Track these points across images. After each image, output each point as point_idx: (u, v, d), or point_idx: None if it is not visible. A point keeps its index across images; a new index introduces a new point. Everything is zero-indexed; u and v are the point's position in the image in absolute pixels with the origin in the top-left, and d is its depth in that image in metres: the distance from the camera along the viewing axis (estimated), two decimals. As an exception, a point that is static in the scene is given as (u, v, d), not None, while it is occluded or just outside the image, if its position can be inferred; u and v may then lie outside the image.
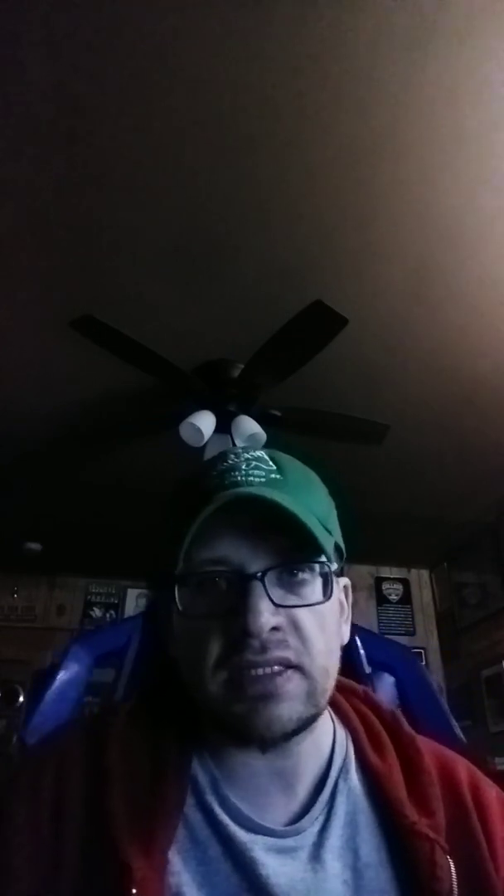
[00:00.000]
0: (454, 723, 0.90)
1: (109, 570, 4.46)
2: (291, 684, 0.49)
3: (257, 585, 0.49)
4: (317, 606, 0.51)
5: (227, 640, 0.49)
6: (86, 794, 0.49)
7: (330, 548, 0.52)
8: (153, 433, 2.62)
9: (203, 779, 0.52)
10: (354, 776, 0.56)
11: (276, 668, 0.48)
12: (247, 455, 0.57)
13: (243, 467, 0.55)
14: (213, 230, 1.89)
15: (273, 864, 0.48)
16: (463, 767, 0.59)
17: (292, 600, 0.50)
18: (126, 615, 4.47)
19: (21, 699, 4.06)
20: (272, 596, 0.49)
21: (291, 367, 2.17)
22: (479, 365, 2.45)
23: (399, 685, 0.93)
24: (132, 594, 4.57)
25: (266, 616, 0.48)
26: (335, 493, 0.60)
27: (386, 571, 4.62)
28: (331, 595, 0.52)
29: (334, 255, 1.98)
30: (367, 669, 0.89)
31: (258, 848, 0.49)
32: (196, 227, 1.88)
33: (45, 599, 4.46)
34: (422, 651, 4.35)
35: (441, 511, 3.63)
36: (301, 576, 0.51)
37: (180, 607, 0.51)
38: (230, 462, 0.56)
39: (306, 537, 0.50)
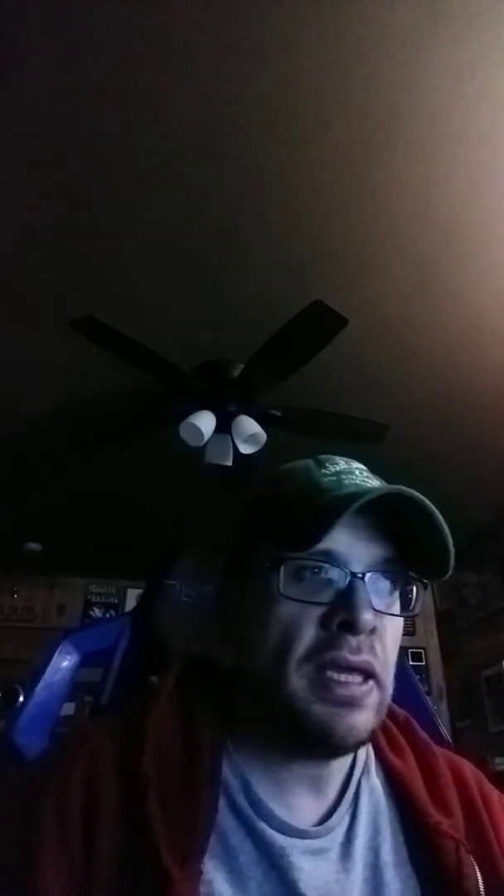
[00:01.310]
0: (440, 724, 0.89)
1: (109, 570, 4.46)
2: (371, 696, 0.49)
3: (363, 584, 0.49)
4: (396, 621, 0.52)
5: (323, 631, 0.49)
6: (121, 799, 0.47)
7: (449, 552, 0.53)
8: (153, 433, 2.62)
9: (234, 782, 0.51)
10: (375, 776, 0.56)
11: (358, 678, 0.49)
12: (355, 465, 0.58)
13: (357, 474, 0.55)
14: (213, 230, 1.89)
15: (308, 867, 0.48)
16: (469, 770, 0.60)
17: (385, 607, 0.51)
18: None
19: (21, 699, 4.05)
20: (371, 599, 0.49)
21: (291, 367, 2.17)
22: (480, 365, 2.45)
23: None
24: (132, 594, 4.57)
25: (371, 615, 0.48)
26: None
27: (386, 571, 4.61)
28: (415, 609, 0.53)
29: (334, 255, 1.98)
30: None
31: (296, 852, 0.48)
32: (196, 227, 1.88)
33: (45, 599, 4.46)
34: (422, 651, 4.35)
35: (441, 511, 3.62)
36: (395, 585, 0.52)
37: (282, 590, 0.50)
38: (342, 467, 0.57)
39: (444, 551, 0.50)
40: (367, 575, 0.50)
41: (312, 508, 0.50)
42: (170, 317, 2.22)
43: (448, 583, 4.36)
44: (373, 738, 0.52)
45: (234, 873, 0.47)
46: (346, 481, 0.53)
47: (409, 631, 4.44)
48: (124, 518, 3.71)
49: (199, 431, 2.27)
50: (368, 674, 0.49)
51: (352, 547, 0.50)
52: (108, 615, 4.49)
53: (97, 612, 4.49)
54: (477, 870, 0.49)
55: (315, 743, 0.49)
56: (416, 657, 4.31)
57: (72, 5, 1.35)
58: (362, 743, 0.50)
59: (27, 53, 1.43)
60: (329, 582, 0.50)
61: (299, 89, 1.51)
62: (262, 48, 1.43)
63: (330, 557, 0.50)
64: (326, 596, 0.50)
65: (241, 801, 0.50)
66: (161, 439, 2.56)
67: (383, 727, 0.60)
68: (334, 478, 0.54)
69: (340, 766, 0.54)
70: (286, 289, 2.07)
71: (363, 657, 0.48)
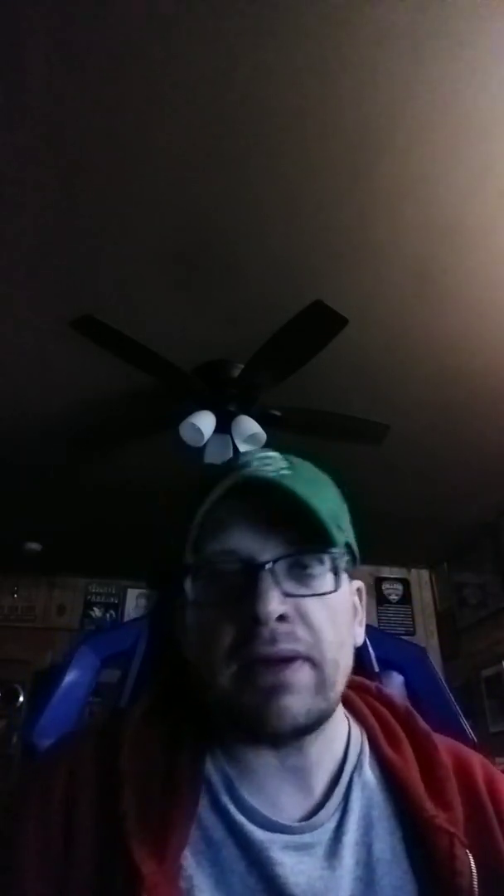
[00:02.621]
0: (465, 722, 0.88)
1: (109, 570, 4.46)
2: (301, 674, 0.49)
3: (266, 574, 0.49)
4: (327, 599, 0.51)
5: (238, 629, 0.49)
6: (98, 798, 0.48)
7: (341, 542, 0.53)
8: (153, 433, 2.62)
9: (217, 779, 0.52)
10: (369, 771, 0.55)
11: (286, 656, 0.48)
12: (259, 454, 0.58)
13: (254, 463, 0.55)
14: (213, 230, 1.89)
15: (290, 862, 0.48)
16: (478, 762, 0.58)
17: (302, 591, 0.50)
18: (126, 615, 4.48)
19: (21, 699, 4.06)
20: (282, 586, 0.49)
21: (291, 367, 2.17)
22: (480, 365, 2.45)
23: (409, 684, 0.92)
24: (132, 594, 4.57)
25: (274, 603, 0.48)
26: (345, 495, 0.60)
27: (386, 571, 4.62)
28: (339, 586, 0.52)
29: (334, 255, 1.98)
30: (376, 668, 0.88)
31: (276, 847, 0.48)
32: (196, 227, 1.88)
33: (45, 599, 4.46)
34: (422, 651, 4.35)
35: (441, 511, 3.63)
36: (311, 569, 0.51)
37: (191, 597, 0.51)
38: (241, 459, 0.57)
39: (317, 526, 0.50)
40: (277, 562, 0.50)
41: (190, 512, 0.51)
42: (170, 317, 2.22)
43: (448, 583, 4.37)
44: (320, 722, 0.51)
45: (217, 868, 0.47)
46: (235, 471, 0.54)
47: (409, 631, 4.44)
48: (124, 518, 3.71)
49: (199, 431, 2.27)
50: (296, 656, 0.49)
51: (253, 539, 0.51)
52: (108, 615, 4.49)
53: (97, 612, 4.49)
54: (473, 865, 0.48)
55: (254, 731, 0.49)
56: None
57: (72, 6, 1.35)
58: (305, 727, 0.49)
59: (27, 54, 1.43)
60: (239, 578, 0.50)
61: (299, 90, 1.51)
62: (261, 49, 1.43)
63: (234, 554, 0.51)
64: (237, 592, 0.50)
65: (224, 798, 0.50)
66: (161, 439, 2.56)
67: (379, 718, 0.59)
68: (226, 471, 0.55)
69: (322, 759, 0.54)
70: (286, 289, 2.07)
71: (280, 646, 0.48)
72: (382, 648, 0.91)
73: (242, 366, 2.29)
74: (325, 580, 0.52)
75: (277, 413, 2.47)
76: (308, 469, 0.58)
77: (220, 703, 0.50)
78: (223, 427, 2.36)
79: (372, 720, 0.59)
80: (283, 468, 0.55)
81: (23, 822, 0.48)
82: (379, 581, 4.58)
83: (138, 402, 2.60)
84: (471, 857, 0.48)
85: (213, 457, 2.45)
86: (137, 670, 0.88)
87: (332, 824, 0.51)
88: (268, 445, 2.30)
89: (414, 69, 1.46)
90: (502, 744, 3.42)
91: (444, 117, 1.57)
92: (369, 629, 0.89)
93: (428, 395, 2.64)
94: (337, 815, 0.51)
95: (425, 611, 4.56)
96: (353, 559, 0.56)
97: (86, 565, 4.41)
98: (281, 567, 0.50)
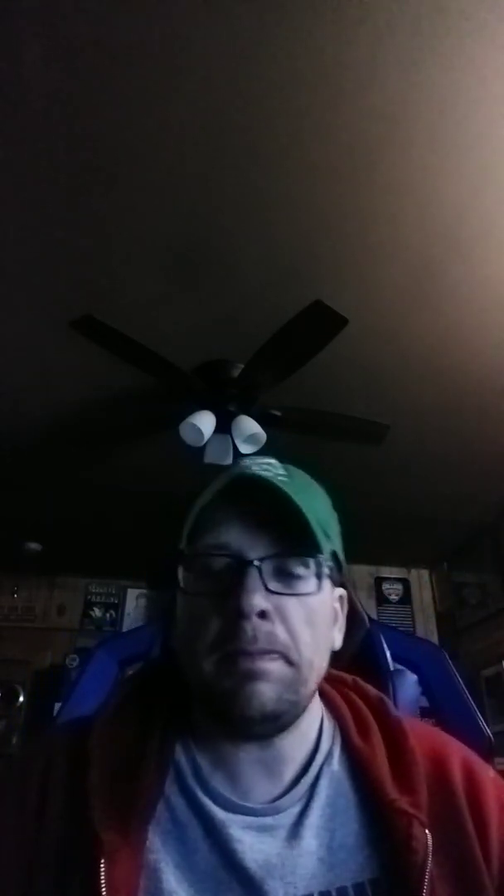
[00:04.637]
0: (481, 720, 0.88)
1: (109, 570, 4.46)
2: (275, 665, 0.52)
3: (253, 570, 0.52)
4: (307, 601, 0.54)
5: (223, 622, 0.52)
6: (68, 777, 0.52)
7: (327, 550, 0.56)
8: (153, 433, 2.62)
9: (186, 765, 0.55)
10: (337, 761, 0.57)
11: (264, 652, 0.51)
12: (259, 459, 0.61)
13: (253, 467, 0.59)
14: (213, 230, 1.89)
15: (249, 840, 0.50)
16: (456, 752, 0.60)
17: (284, 590, 0.53)
18: (126, 615, 4.48)
19: (21, 699, 4.05)
20: (266, 583, 0.52)
21: (291, 367, 2.17)
22: (480, 365, 2.45)
23: (424, 683, 0.92)
24: (132, 594, 4.57)
25: (258, 598, 0.51)
26: (334, 499, 0.63)
27: (386, 571, 4.62)
28: (320, 589, 0.55)
29: (334, 255, 1.98)
30: (392, 666, 0.88)
31: (235, 826, 0.51)
32: (196, 226, 1.88)
33: (45, 599, 4.46)
34: (422, 651, 4.34)
35: (441, 511, 3.63)
36: (296, 570, 0.54)
37: (182, 585, 0.55)
38: (241, 462, 0.62)
39: (305, 530, 0.53)
40: (264, 561, 0.53)
41: (195, 509, 0.55)
42: (170, 317, 2.22)
43: (448, 583, 4.37)
44: (289, 715, 0.53)
45: (182, 846, 0.50)
46: (234, 472, 0.57)
47: (409, 631, 4.44)
48: (124, 518, 3.71)
49: (199, 431, 2.27)
50: (273, 652, 0.52)
51: (245, 537, 0.54)
52: (108, 615, 4.49)
53: (97, 612, 4.49)
54: (429, 844, 0.50)
55: (226, 715, 0.52)
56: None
57: (72, 6, 1.35)
58: (273, 715, 0.51)
59: (26, 53, 1.43)
60: (227, 572, 0.53)
61: (300, 91, 1.51)
62: (262, 50, 1.43)
63: (225, 549, 0.54)
64: (224, 585, 0.53)
65: (191, 781, 0.53)
66: (161, 439, 2.56)
67: (353, 708, 0.62)
68: (224, 471, 0.59)
69: (294, 750, 0.56)
70: (286, 289, 2.07)
71: (260, 646, 0.51)
72: (398, 646, 0.91)
73: (242, 366, 2.29)
74: (308, 583, 0.55)
75: (277, 413, 2.47)
76: (303, 477, 0.62)
77: (201, 688, 0.53)
78: (223, 427, 2.36)
79: (345, 711, 0.62)
80: (280, 474, 0.58)
81: (1, 803, 0.52)
82: (379, 581, 4.58)
83: (138, 402, 2.60)
84: (429, 837, 0.50)
85: (213, 457, 2.45)
86: None
87: (295, 809, 0.53)
88: (268, 445, 2.30)
89: (414, 69, 1.46)
90: (502, 744, 3.42)
91: (444, 117, 1.56)
92: (385, 628, 0.89)
93: (428, 395, 2.64)
94: (302, 802, 0.54)
95: (425, 611, 4.56)
96: (339, 567, 0.59)
97: (86, 565, 4.41)
98: (267, 566, 0.53)
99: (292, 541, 0.54)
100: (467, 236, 1.90)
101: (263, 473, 0.56)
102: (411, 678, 0.90)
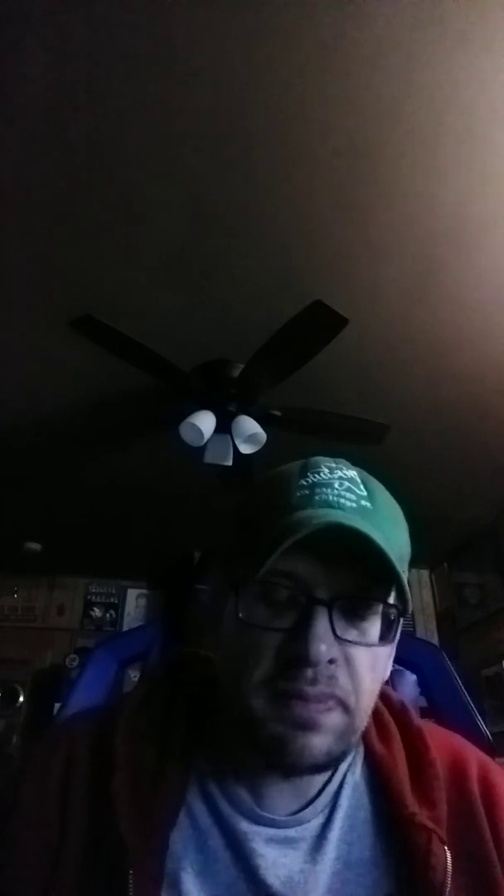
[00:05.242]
0: (481, 722, 0.88)
1: (109, 570, 4.46)
2: (332, 717, 0.47)
3: (324, 612, 0.47)
4: (373, 647, 0.50)
5: (281, 660, 0.47)
6: (91, 779, 0.50)
7: (406, 590, 0.50)
8: (153, 433, 2.62)
9: (207, 769, 0.53)
10: (360, 771, 0.56)
11: (322, 699, 0.47)
12: (340, 473, 0.54)
13: (336, 486, 0.52)
14: (213, 230, 1.89)
15: (272, 855, 0.49)
16: (474, 759, 0.58)
17: (353, 636, 0.48)
18: (126, 615, 4.48)
19: (21, 699, 4.05)
20: (336, 628, 0.47)
21: (291, 367, 2.17)
22: (480, 364, 2.45)
23: (423, 683, 0.92)
24: (132, 594, 4.57)
25: (326, 647, 0.46)
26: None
27: (386, 571, 4.61)
28: (393, 639, 0.51)
29: (334, 255, 1.98)
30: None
31: (259, 839, 0.49)
32: (196, 226, 1.88)
33: (45, 599, 4.46)
34: (422, 651, 4.34)
35: (441, 511, 3.62)
36: (367, 612, 0.49)
37: (241, 614, 0.49)
38: (322, 476, 0.53)
39: (387, 575, 0.48)
40: (336, 602, 0.47)
41: (268, 531, 0.48)
42: (170, 317, 2.22)
43: (448, 583, 4.37)
44: (337, 764, 0.51)
45: (203, 855, 0.49)
46: (316, 498, 0.50)
47: (408, 631, 4.44)
48: (124, 518, 3.71)
49: (199, 431, 2.27)
50: (331, 699, 0.47)
51: (317, 571, 0.48)
52: (108, 615, 4.49)
53: (97, 612, 4.49)
54: (448, 862, 0.48)
55: (269, 759, 0.49)
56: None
57: (72, 5, 1.35)
58: (321, 766, 0.48)
59: (27, 53, 1.43)
60: (292, 605, 0.48)
61: (300, 91, 1.51)
62: (262, 51, 1.43)
63: (292, 580, 0.48)
64: (288, 620, 0.48)
65: (213, 787, 0.52)
66: (161, 439, 2.56)
67: (376, 716, 0.59)
68: (307, 492, 0.51)
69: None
70: (286, 289, 2.06)
71: (320, 689, 0.47)
72: (398, 647, 0.90)
73: (242, 366, 2.28)
74: (376, 626, 0.50)
75: (277, 413, 2.46)
76: (386, 502, 0.55)
77: (245, 724, 0.49)
78: (223, 427, 2.36)
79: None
80: (363, 498, 0.52)
81: (22, 797, 0.50)
82: (379, 581, 4.57)
83: (138, 402, 2.59)
84: (448, 854, 0.49)
85: (213, 457, 2.45)
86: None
87: (319, 820, 0.52)
88: (268, 445, 2.30)
89: (415, 68, 1.46)
90: (502, 744, 3.42)
91: (445, 117, 1.56)
92: None
93: (428, 395, 2.64)
94: (325, 814, 0.52)
95: (425, 611, 4.55)
96: (405, 600, 0.52)
97: (86, 565, 4.41)
98: (338, 605, 0.48)
99: (370, 579, 0.48)
100: (467, 236, 1.90)
101: (348, 512, 0.49)
102: (411, 678, 0.91)
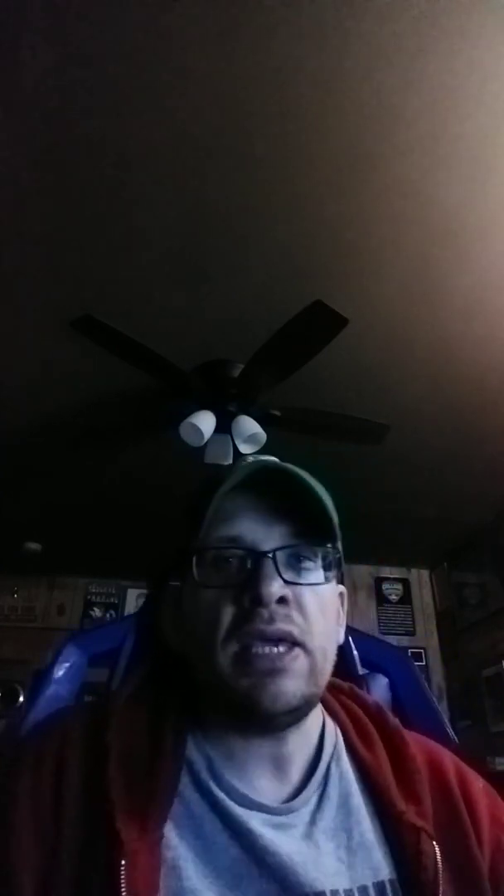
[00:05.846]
0: (447, 723, 0.90)
1: (109, 570, 4.46)
2: (297, 662, 0.52)
3: (269, 561, 0.54)
4: (319, 591, 0.56)
5: (239, 609, 0.53)
6: (85, 771, 0.51)
7: (339, 538, 0.58)
8: (153, 433, 2.62)
9: (199, 759, 0.54)
10: (346, 762, 0.58)
11: (281, 647, 0.52)
12: (261, 457, 0.63)
13: (263, 456, 0.62)
14: (213, 230, 1.89)
15: (270, 835, 0.50)
16: (448, 758, 0.61)
17: (298, 577, 0.55)
18: (126, 615, 4.48)
19: (21, 699, 4.06)
20: (281, 573, 0.54)
21: (291, 367, 2.17)
22: (480, 364, 2.45)
23: (392, 686, 0.93)
24: (132, 594, 4.57)
25: (276, 587, 0.52)
26: (334, 498, 0.63)
27: (386, 571, 4.62)
28: (329, 580, 0.57)
29: (334, 255, 1.98)
30: (361, 671, 0.89)
31: (254, 821, 0.51)
32: (196, 227, 1.88)
33: (45, 599, 4.46)
34: (422, 651, 4.35)
35: (441, 511, 3.63)
36: (306, 562, 0.56)
37: (197, 579, 0.55)
38: (246, 458, 0.63)
39: (321, 518, 0.56)
40: (277, 552, 0.54)
41: (208, 500, 0.55)
42: (170, 317, 2.22)
43: (448, 583, 4.37)
44: (309, 707, 0.55)
45: (200, 840, 0.49)
46: (245, 461, 0.60)
47: (409, 631, 4.44)
48: (124, 518, 3.71)
49: (199, 431, 2.27)
50: (291, 642, 0.53)
51: (257, 530, 0.55)
52: (108, 615, 4.49)
53: (97, 613, 4.49)
54: (439, 858, 0.50)
55: (247, 712, 0.52)
56: (417, 657, 4.30)
57: (72, 5, 1.35)
58: (296, 710, 0.52)
59: (27, 53, 1.43)
60: (242, 565, 0.55)
61: (300, 92, 1.51)
62: (263, 51, 1.43)
63: (238, 542, 0.55)
64: (240, 577, 0.54)
65: (205, 776, 0.53)
66: (161, 439, 2.56)
67: (351, 715, 0.63)
68: (233, 466, 0.60)
69: (300, 746, 0.56)
70: (286, 288, 2.07)
71: (278, 626, 0.52)
72: (365, 651, 0.93)
73: (242, 366, 2.29)
74: (319, 574, 0.57)
75: (277, 413, 2.47)
76: (307, 474, 0.63)
77: (216, 685, 0.53)
78: (223, 427, 2.36)
79: (344, 717, 0.62)
80: (288, 465, 0.59)
81: (16, 786, 0.51)
82: (379, 581, 4.58)
83: (138, 402, 2.60)
84: (437, 850, 0.51)
85: (214, 457, 2.45)
86: (125, 667, 0.89)
87: (308, 808, 0.54)
88: (268, 445, 2.30)
89: (415, 68, 1.46)
90: (502, 744, 3.42)
91: (445, 117, 1.57)
92: (353, 632, 0.91)
93: (428, 395, 2.64)
94: (314, 802, 0.54)
95: (425, 611, 4.56)
96: (339, 567, 0.60)
97: (86, 565, 4.41)
98: (281, 556, 0.54)
99: (306, 531, 0.56)
100: (467, 236, 1.90)
101: (276, 461, 0.58)
102: (383, 680, 0.92)
